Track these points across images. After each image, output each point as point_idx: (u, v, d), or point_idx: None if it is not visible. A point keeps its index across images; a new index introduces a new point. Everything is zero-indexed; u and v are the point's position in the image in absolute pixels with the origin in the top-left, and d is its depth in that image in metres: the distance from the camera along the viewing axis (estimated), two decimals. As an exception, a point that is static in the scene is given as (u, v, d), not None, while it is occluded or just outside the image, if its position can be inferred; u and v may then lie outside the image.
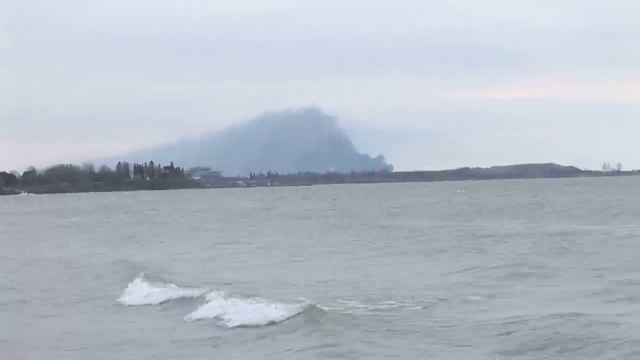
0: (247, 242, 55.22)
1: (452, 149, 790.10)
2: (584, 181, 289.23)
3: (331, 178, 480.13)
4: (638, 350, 18.20)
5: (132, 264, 41.42)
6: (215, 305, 25.96)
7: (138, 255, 47.53)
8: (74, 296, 31.94)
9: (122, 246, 56.28)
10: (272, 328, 22.65)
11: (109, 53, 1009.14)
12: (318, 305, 24.28)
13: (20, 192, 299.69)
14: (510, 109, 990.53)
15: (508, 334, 20.63)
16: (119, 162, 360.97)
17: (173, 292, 30.00)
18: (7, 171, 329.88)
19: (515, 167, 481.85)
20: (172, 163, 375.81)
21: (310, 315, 22.97)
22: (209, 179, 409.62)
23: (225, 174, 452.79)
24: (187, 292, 29.20)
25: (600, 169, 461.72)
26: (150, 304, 28.98)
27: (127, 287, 32.31)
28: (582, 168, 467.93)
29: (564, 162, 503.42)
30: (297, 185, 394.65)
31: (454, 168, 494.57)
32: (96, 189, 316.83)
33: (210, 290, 28.14)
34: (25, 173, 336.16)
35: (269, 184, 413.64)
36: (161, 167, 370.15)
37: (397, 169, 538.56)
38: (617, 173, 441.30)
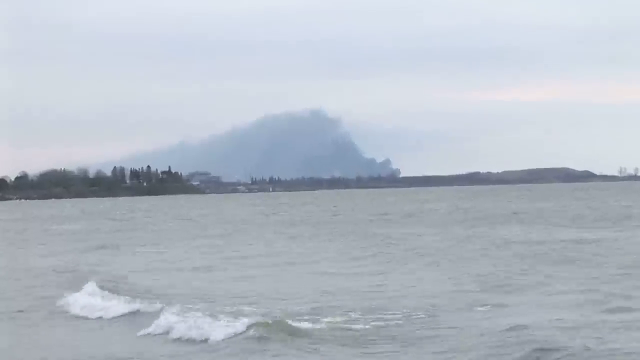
0: (235, 252, 53.31)
1: (461, 153, 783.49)
2: (598, 186, 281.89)
3: (336, 183, 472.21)
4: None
5: (86, 273, 40.34)
6: (165, 321, 25.56)
7: (103, 265, 46.72)
8: (20, 307, 31.51)
9: (90, 255, 54.57)
10: (217, 345, 22.70)
11: (109, 53, 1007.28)
12: (269, 321, 24.01)
13: (11, 198, 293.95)
14: (525, 110, 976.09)
15: (503, 345, 20.49)
16: (115, 167, 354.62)
17: (123, 305, 29.69)
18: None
19: (529, 171, 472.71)
20: (170, 168, 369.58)
21: (258, 331, 23.00)
22: (209, 184, 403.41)
23: (225, 179, 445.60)
24: (137, 306, 29.11)
25: (616, 173, 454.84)
26: (101, 317, 28.79)
27: (74, 297, 31.89)
28: (597, 173, 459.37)
29: (578, 166, 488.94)
30: (300, 191, 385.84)
31: (464, 173, 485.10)
32: (91, 194, 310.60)
33: (165, 305, 27.77)
34: (17, 178, 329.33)
35: (270, 190, 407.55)
36: (158, 171, 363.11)
37: (404, 173, 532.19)
38: (634, 178, 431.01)
